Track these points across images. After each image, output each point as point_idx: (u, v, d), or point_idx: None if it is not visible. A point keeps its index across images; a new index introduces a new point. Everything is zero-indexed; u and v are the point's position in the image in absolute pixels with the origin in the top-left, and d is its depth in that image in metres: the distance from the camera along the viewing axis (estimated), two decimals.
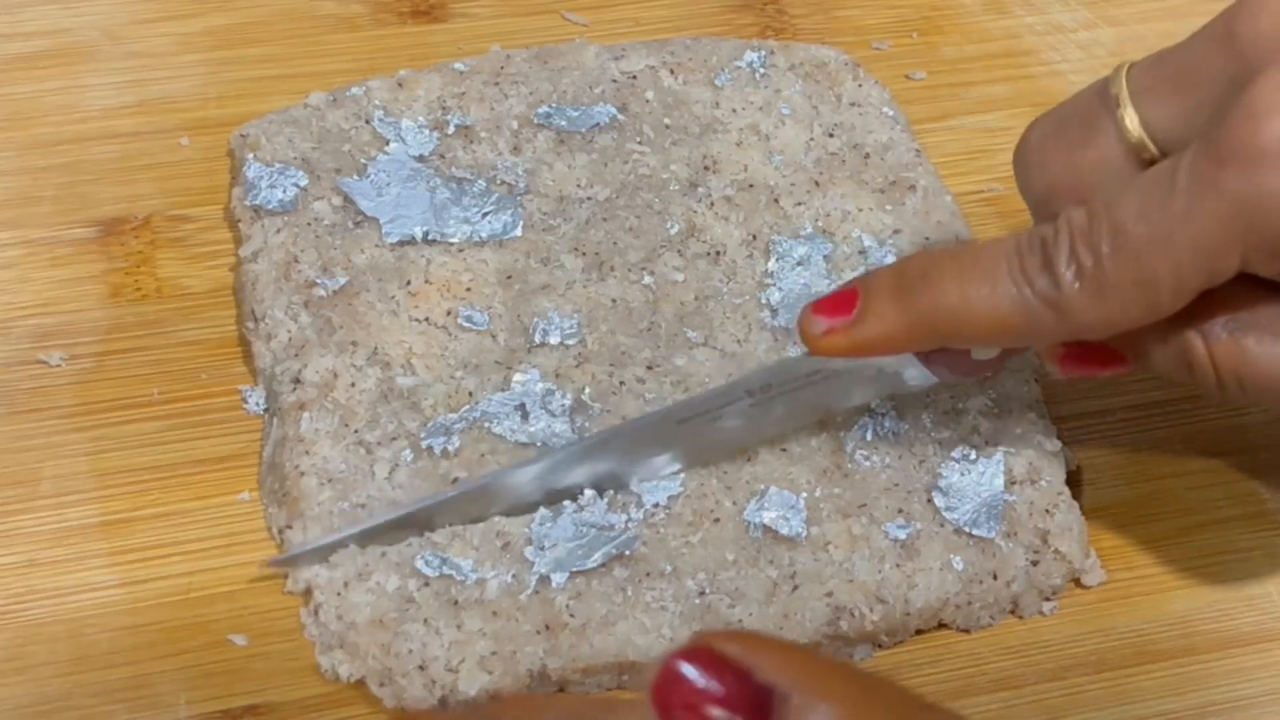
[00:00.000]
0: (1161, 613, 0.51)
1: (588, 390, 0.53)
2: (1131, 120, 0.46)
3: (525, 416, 0.52)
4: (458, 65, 0.63)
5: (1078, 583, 0.51)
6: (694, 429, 0.51)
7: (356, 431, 0.52)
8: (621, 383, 0.53)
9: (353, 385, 0.53)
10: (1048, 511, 0.51)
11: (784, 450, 0.52)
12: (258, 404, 0.54)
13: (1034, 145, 0.48)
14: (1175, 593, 0.52)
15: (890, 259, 0.57)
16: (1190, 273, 0.43)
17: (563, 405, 0.52)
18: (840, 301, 0.47)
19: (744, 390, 0.52)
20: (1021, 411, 0.53)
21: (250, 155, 0.59)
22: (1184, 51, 0.46)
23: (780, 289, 0.56)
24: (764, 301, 0.56)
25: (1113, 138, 0.46)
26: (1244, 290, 0.44)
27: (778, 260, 0.57)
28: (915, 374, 0.51)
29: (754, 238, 0.58)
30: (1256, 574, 0.52)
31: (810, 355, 0.49)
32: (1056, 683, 0.49)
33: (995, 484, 0.51)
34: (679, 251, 0.57)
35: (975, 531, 0.50)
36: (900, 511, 0.50)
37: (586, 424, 0.52)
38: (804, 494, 0.51)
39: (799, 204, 0.59)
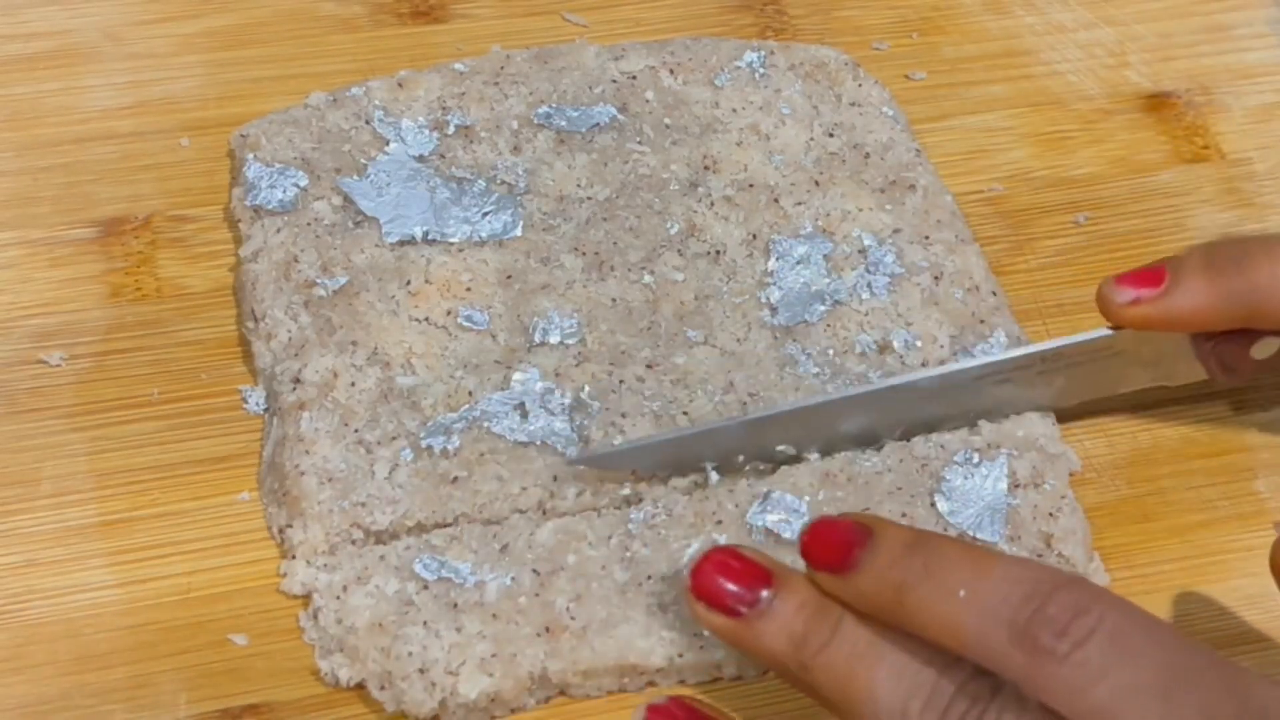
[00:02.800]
0: (1161, 612, 0.51)
1: (587, 389, 0.53)
2: None
3: (525, 416, 0.52)
4: (458, 65, 0.63)
5: None
6: (979, 389, 0.52)
7: (356, 431, 0.52)
8: (621, 381, 0.53)
9: (353, 385, 0.53)
10: (1051, 515, 0.51)
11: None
12: (258, 404, 0.54)
13: None
14: (1175, 592, 0.52)
15: (890, 258, 0.57)
16: None
17: (562, 404, 0.52)
18: (1148, 275, 0.50)
19: (1039, 356, 0.52)
20: (1024, 413, 0.53)
21: (250, 155, 0.59)
22: None
23: (780, 288, 0.56)
24: (764, 300, 0.56)
25: None
26: None
27: (778, 259, 0.57)
28: (1186, 368, 0.53)
29: (754, 237, 0.58)
30: (1256, 573, 0.52)
31: (1110, 326, 0.51)
32: None
33: (999, 487, 0.51)
34: (679, 251, 0.57)
35: (979, 535, 0.50)
36: (904, 515, 0.50)
37: (586, 423, 0.52)
38: (807, 497, 0.51)
39: (799, 204, 0.59)
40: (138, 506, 0.52)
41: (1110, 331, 0.52)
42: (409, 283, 0.55)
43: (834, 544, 0.42)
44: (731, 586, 0.43)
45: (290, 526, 0.50)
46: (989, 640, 0.39)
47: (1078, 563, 0.50)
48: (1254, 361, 0.52)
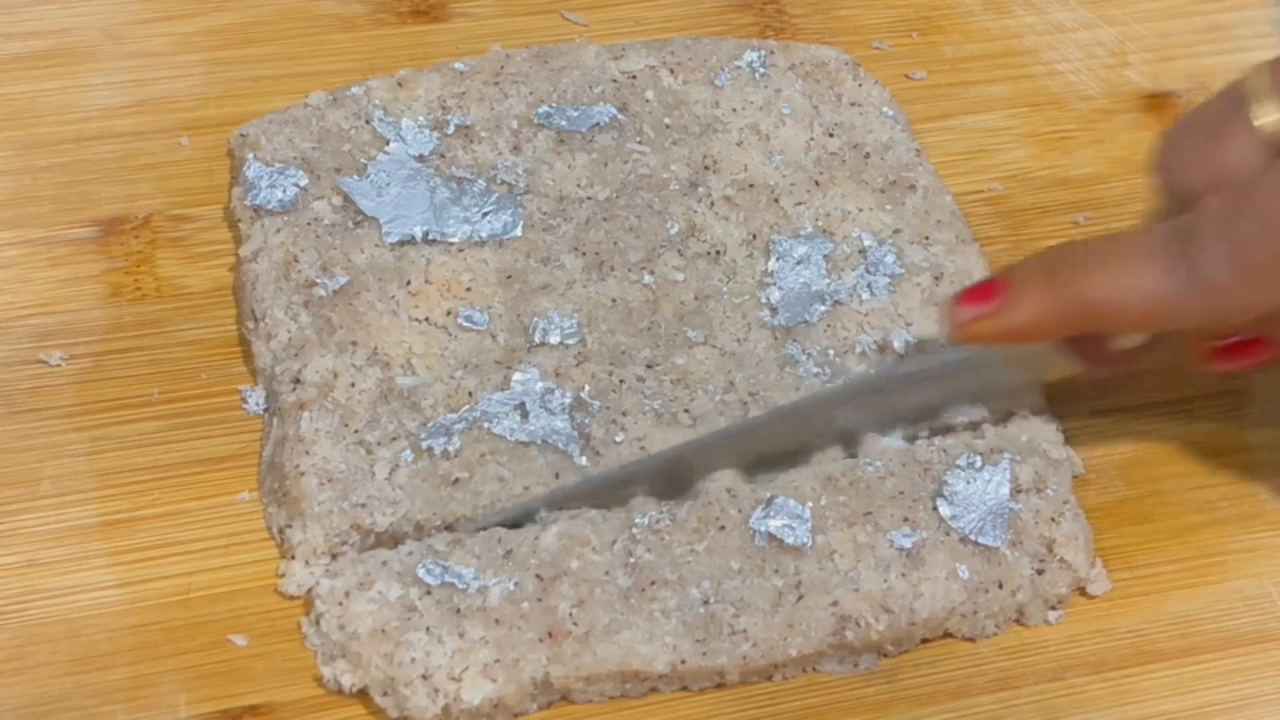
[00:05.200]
0: (1161, 613, 0.51)
1: (587, 389, 0.53)
2: (1270, 114, 0.47)
3: (525, 416, 0.52)
4: (458, 65, 0.63)
5: (1083, 592, 0.51)
6: (867, 401, 0.53)
7: (356, 431, 0.52)
8: (621, 381, 0.53)
9: (353, 385, 0.53)
10: (1053, 520, 0.51)
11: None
12: (258, 404, 0.54)
13: (1170, 146, 0.50)
14: (1175, 593, 0.52)
15: (890, 258, 0.57)
16: None
17: (562, 404, 0.52)
18: (987, 290, 0.49)
19: (902, 374, 0.53)
20: (1027, 417, 0.53)
21: (250, 155, 0.59)
22: None
23: (780, 288, 0.56)
24: (764, 301, 0.56)
25: (1249, 132, 0.48)
26: None
27: (778, 260, 0.57)
28: (1059, 365, 0.52)
29: (754, 237, 0.58)
30: (1256, 574, 0.52)
31: (955, 342, 0.50)
32: (1056, 683, 0.49)
33: (1001, 492, 0.51)
34: (679, 251, 0.57)
35: (981, 540, 0.50)
36: (906, 520, 0.50)
37: (586, 422, 0.52)
38: (810, 503, 0.50)
39: (799, 204, 0.59)
40: (138, 506, 0.52)
41: (964, 350, 0.51)
42: (409, 283, 0.55)
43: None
44: None
45: (290, 527, 0.50)
46: None
47: (1079, 568, 0.50)
48: (1125, 352, 0.51)
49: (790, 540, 0.49)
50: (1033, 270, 0.49)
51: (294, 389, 0.53)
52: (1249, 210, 0.45)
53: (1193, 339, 0.51)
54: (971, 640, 0.50)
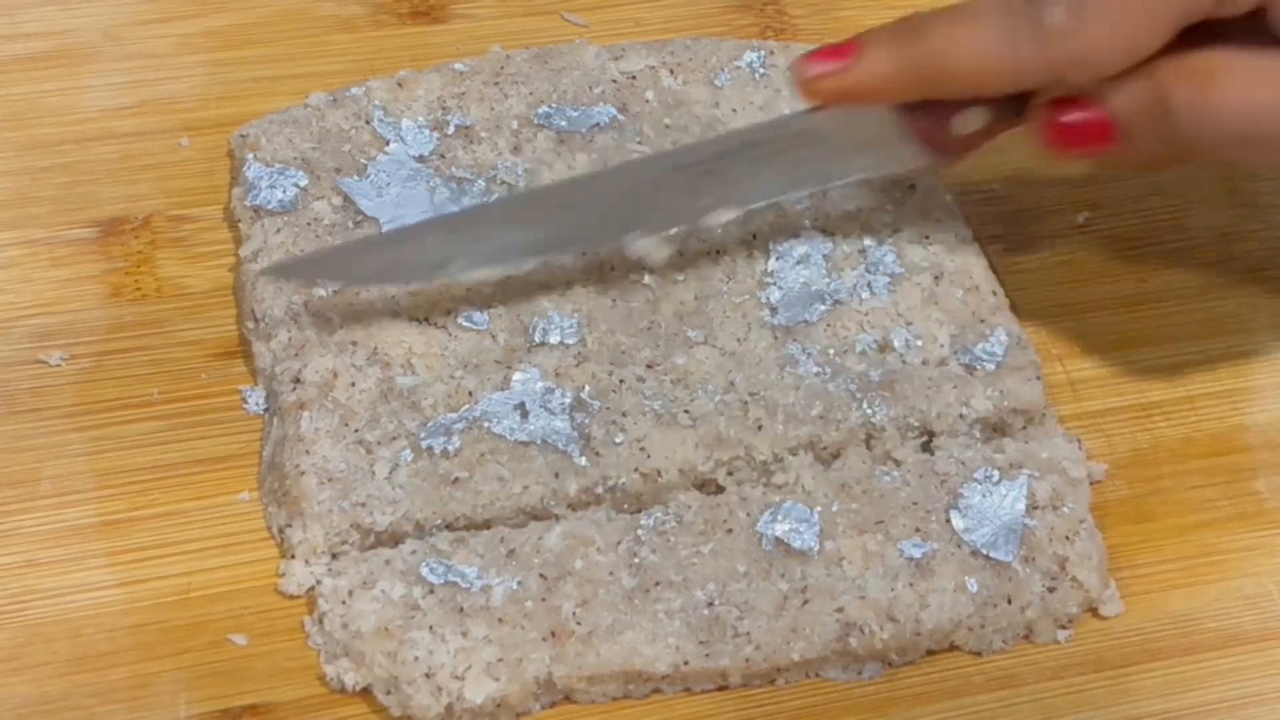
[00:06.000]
0: (1161, 612, 0.51)
1: (588, 389, 0.53)
2: None
3: (525, 415, 0.52)
4: (458, 65, 0.63)
5: (1095, 613, 0.51)
6: (689, 178, 0.54)
7: (356, 431, 0.52)
8: (621, 381, 0.53)
9: (353, 385, 0.53)
10: (1068, 538, 0.50)
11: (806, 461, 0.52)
12: (258, 404, 0.54)
13: None
14: (1175, 592, 0.52)
15: (890, 258, 0.57)
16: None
17: (562, 404, 0.52)
18: (837, 50, 0.51)
19: (740, 142, 0.54)
20: (1047, 436, 0.53)
21: (250, 155, 0.59)
22: None
23: (780, 288, 0.56)
24: (764, 300, 0.56)
25: None
26: (1209, 36, 0.49)
27: (778, 259, 0.57)
28: (901, 152, 0.53)
29: (754, 237, 0.58)
30: (1256, 573, 0.52)
31: (805, 101, 0.52)
32: (1056, 681, 0.49)
33: (1017, 508, 0.51)
34: (679, 251, 0.57)
35: (993, 554, 0.50)
36: (917, 530, 0.50)
37: (587, 421, 0.52)
38: (819, 508, 0.50)
39: (799, 203, 0.59)
40: (138, 506, 0.52)
41: (808, 109, 0.53)
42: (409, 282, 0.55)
43: None
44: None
45: (290, 526, 0.50)
46: None
47: (1092, 588, 0.50)
48: (965, 139, 0.53)
49: (797, 544, 0.49)
50: (882, 32, 0.51)
51: (294, 389, 0.53)
52: None
53: (1039, 114, 0.52)
54: (978, 654, 0.50)
